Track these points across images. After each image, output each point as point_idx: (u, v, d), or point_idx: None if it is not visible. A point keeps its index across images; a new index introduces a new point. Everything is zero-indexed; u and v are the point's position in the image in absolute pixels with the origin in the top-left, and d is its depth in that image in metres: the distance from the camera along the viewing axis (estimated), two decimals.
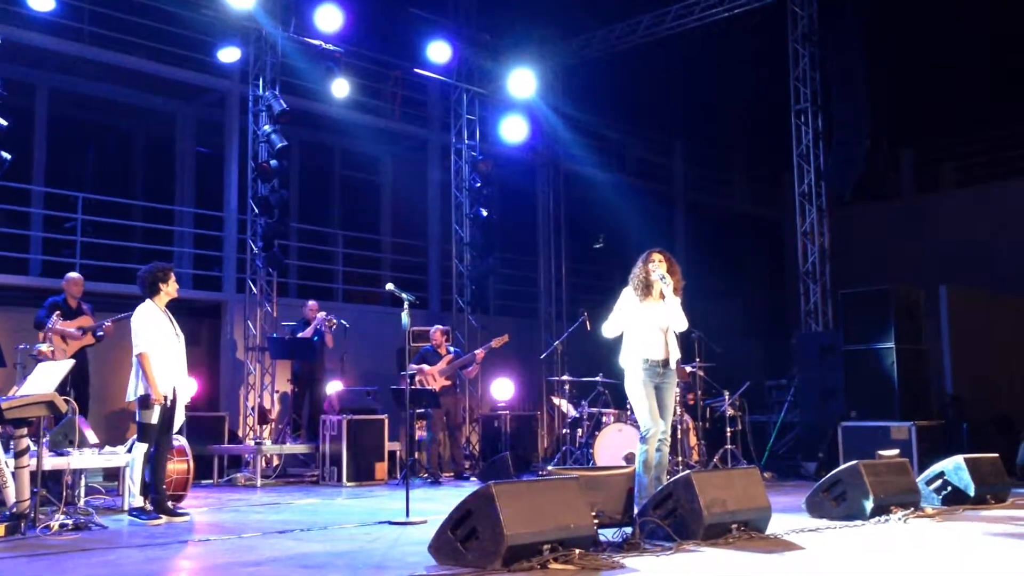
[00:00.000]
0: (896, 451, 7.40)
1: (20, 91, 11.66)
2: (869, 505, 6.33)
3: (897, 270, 14.58)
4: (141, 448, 6.63)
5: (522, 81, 13.80)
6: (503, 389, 13.28)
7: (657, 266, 6.47)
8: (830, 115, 12.50)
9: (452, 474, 10.89)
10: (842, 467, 6.71)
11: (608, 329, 6.59)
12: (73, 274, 9.39)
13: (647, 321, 6.45)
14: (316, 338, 10.93)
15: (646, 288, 6.48)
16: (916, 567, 4.73)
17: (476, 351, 10.93)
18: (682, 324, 6.49)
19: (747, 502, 5.58)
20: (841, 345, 10.03)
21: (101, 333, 8.94)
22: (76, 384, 8.86)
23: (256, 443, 10.73)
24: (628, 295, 6.56)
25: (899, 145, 18.20)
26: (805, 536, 5.67)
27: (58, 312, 8.64)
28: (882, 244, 16.63)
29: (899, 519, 6.34)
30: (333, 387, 11.05)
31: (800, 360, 11.71)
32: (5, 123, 9.18)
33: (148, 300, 6.85)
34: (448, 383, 10.79)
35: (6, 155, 9.25)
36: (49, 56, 11.98)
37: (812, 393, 11.28)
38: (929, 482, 7.30)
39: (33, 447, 6.16)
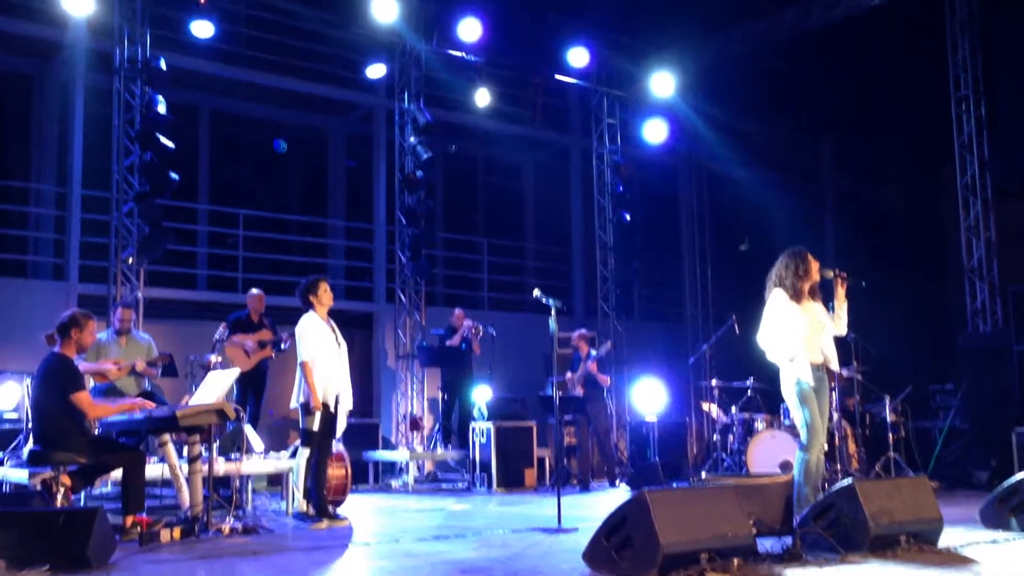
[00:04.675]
0: None
1: (185, 114, 12.38)
2: None
3: None
4: (304, 454, 6.85)
5: (662, 82, 13.63)
6: (651, 398, 12.78)
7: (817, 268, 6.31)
8: (994, 102, 11.79)
9: (602, 480, 10.83)
10: (1020, 476, 6.29)
11: (787, 347, 6.15)
12: (255, 290, 9.86)
13: (806, 322, 6.22)
14: (464, 346, 11.10)
15: (796, 290, 6.25)
16: None
17: (589, 362, 10.58)
18: (843, 328, 6.28)
19: (916, 512, 5.30)
20: (1014, 345, 9.45)
21: (285, 347, 9.29)
22: (254, 393, 9.38)
23: (409, 449, 10.98)
24: (782, 298, 6.29)
25: None
26: (982, 549, 5.35)
27: (224, 325, 9.09)
28: None
29: None
30: (482, 394, 11.19)
31: (968, 362, 11.04)
32: (173, 145, 9.75)
33: (311, 311, 7.06)
34: (583, 390, 10.64)
35: (174, 175, 9.82)
36: (211, 80, 12.69)
37: (982, 397, 10.62)
38: None
39: (205, 453, 6.48)
